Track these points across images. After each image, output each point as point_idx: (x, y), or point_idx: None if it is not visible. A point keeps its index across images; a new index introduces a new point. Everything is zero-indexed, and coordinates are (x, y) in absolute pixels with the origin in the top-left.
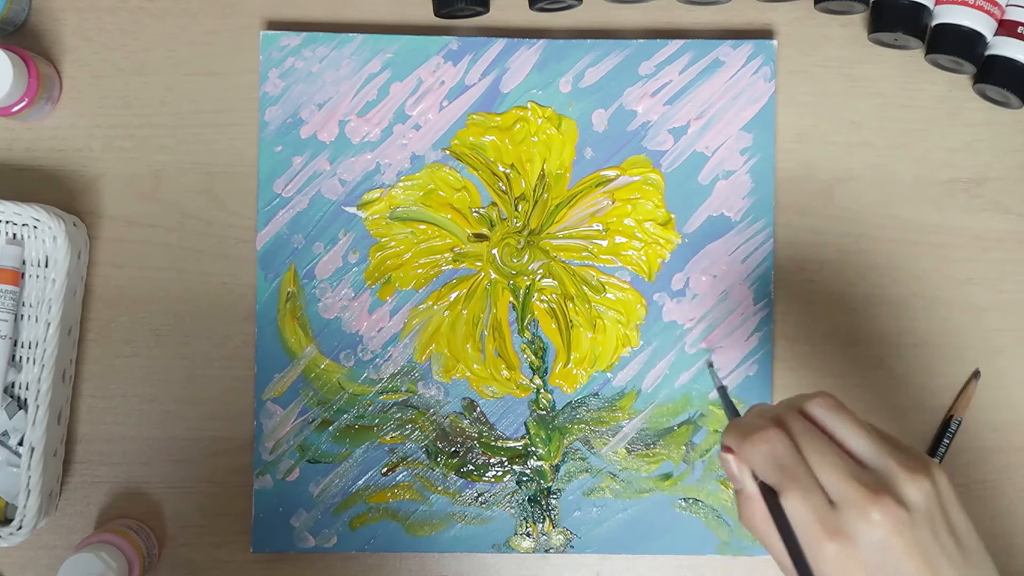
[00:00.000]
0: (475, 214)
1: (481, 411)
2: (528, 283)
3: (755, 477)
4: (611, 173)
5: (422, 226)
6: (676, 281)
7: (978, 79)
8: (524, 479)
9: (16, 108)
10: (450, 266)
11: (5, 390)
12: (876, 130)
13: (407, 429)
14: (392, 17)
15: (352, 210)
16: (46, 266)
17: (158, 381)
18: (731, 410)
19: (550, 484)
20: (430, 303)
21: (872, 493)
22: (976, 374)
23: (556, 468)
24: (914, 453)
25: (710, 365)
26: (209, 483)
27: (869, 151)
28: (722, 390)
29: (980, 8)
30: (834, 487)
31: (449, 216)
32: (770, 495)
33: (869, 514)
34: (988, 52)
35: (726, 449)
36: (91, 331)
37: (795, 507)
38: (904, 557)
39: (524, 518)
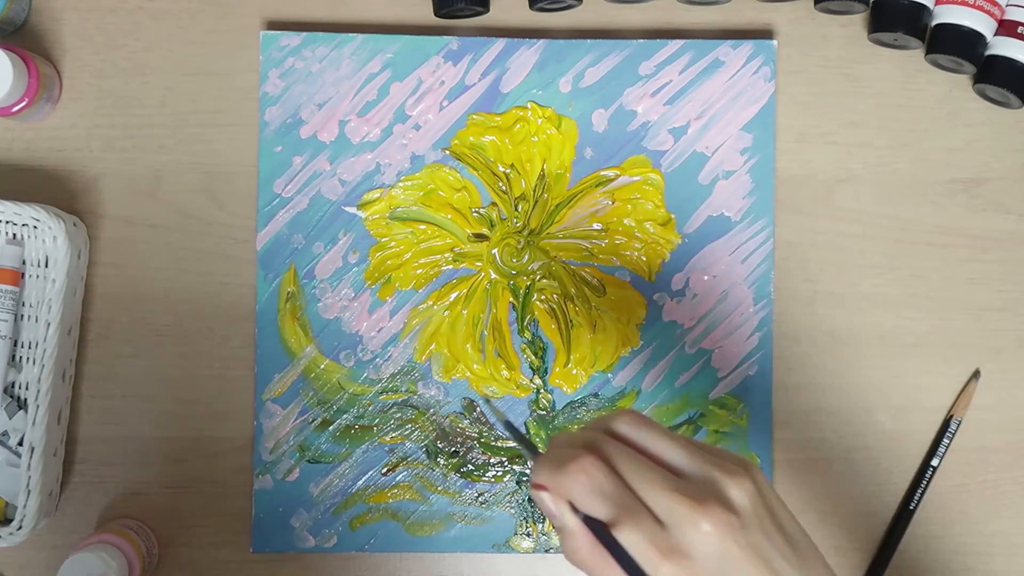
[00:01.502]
0: (475, 214)
1: (481, 411)
2: (528, 283)
3: (574, 511)
4: (611, 173)
5: (422, 226)
6: (676, 281)
7: (978, 79)
8: (524, 479)
9: (16, 108)
10: (450, 266)
11: (5, 390)
12: (876, 130)
13: (407, 429)
14: (392, 17)
15: (352, 210)
16: (46, 266)
17: (158, 381)
18: (528, 446)
19: None
20: (430, 303)
21: (699, 504)
22: (976, 374)
23: None
24: (729, 456)
25: (487, 401)
26: (209, 483)
27: (869, 151)
28: (508, 425)
29: (980, 8)
30: (660, 505)
31: (449, 216)
32: (597, 527)
33: (700, 526)
34: (988, 52)
35: (537, 487)
36: (91, 331)
37: (628, 536)
38: (743, 562)
39: (524, 518)
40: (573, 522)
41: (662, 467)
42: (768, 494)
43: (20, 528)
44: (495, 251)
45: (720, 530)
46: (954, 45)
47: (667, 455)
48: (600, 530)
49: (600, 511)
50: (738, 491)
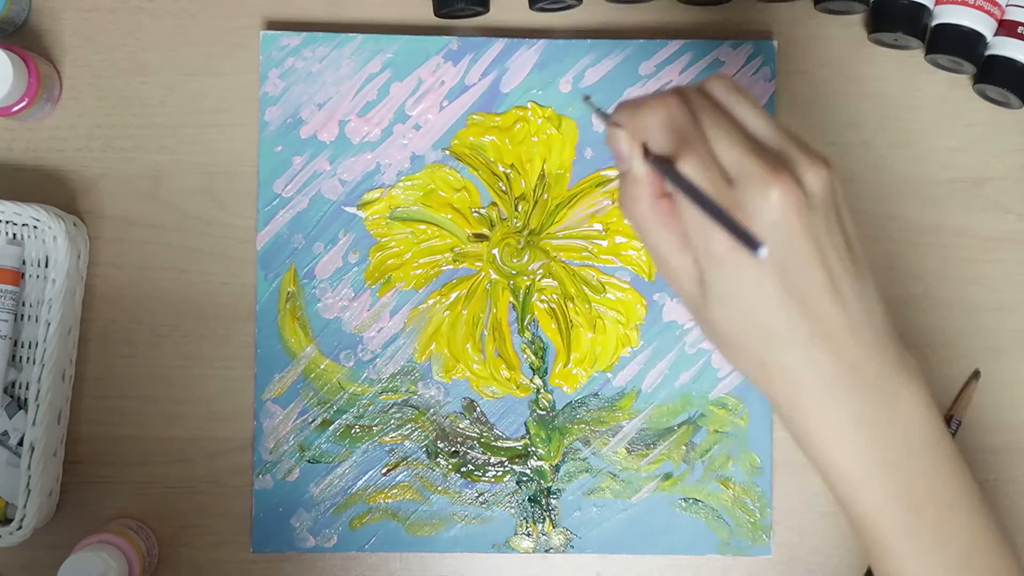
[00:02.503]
0: (475, 214)
1: (481, 411)
2: (528, 283)
3: (647, 154)
4: (611, 173)
5: (422, 226)
6: None
7: (978, 79)
8: (524, 479)
9: (16, 108)
10: (450, 266)
11: (5, 390)
12: (876, 130)
13: (407, 429)
14: (392, 17)
15: (352, 210)
16: (46, 266)
17: (158, 381)
18: (603, 116)
19: (550, 484)
20: (430, 303)
21: (772, 170)
22: (976, 374)
23: (556, 468)
24: (813, 145)
25: (587, 98)
26: (209, 483)
27: (869, 151)
28: (599, 112)
29: (980, 8)
30: (733, 161)
31: (449, 216)
32: (665, 167)
33: (768, 190)
34: (988, 52)
35: (614, 125)
36: (91, 331)
37: (692, 176)
38: (800, 240)
39: (524, 518)
40: (640, 167)
41: (745, 131)
42: (841, 193)
43: (20, 528)
44: (495, 251)
45: (787, 201)
46: (954, 45)
47: (753, 123)
48: (668, 169)
49: (670, 147)
50: (814, 175)
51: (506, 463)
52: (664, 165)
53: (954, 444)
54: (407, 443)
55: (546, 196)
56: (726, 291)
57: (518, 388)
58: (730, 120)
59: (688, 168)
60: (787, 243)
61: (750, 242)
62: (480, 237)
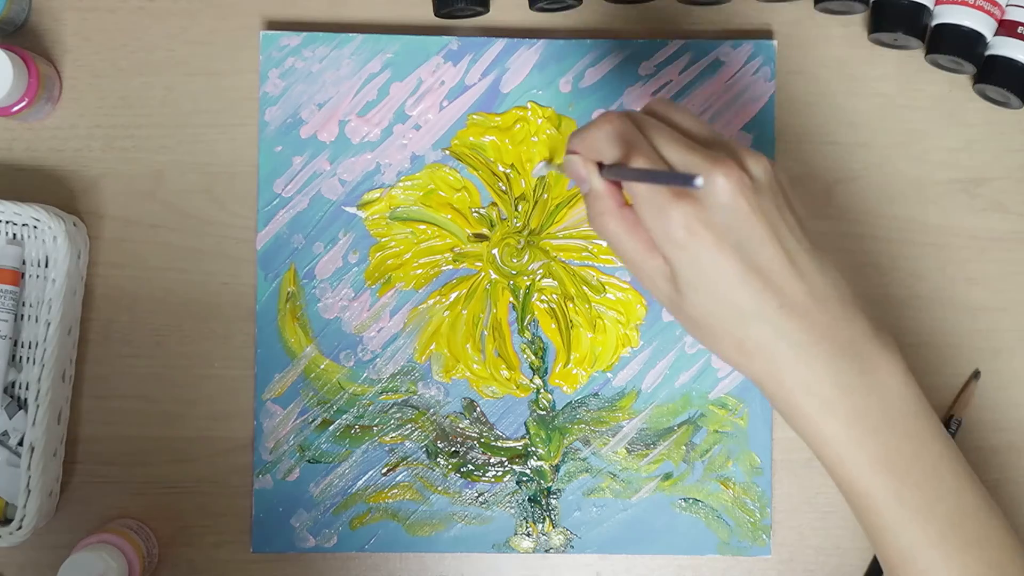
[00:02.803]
0: (475, 214)
1: (481, 411)
2: (528, 283)
3: (601, 168)
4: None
5: (422, 226)
6: None
7: (978, 79)
8: (524, 479)
9: (16, 108)
10: (450, 266)
11: (5, 390)
12: (876, 130)
13: (407, 429)
14: (392, 17)
15: (352, 210)
16: (46, 266)
17: (158, 381)
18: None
19: (550, 484)
20: (430, 303)
21: (716, 160)
22: (976, 374)
23: (556, 468)
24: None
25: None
26: (209, 483)
27: (869, 151)
28: None
29: (980, 8)
30: (679, 158)
31: (449, 216)
32: (618, 169)
33: (714, 177)
34: (988, 52)
35: (569, 152)
36: (91, 331)
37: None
38: (751, 218)
39: (524, 518)
40: (599, 183)
41: (686, 136)
42: (787, 183)
43: (20, 528)
44: (495, 251)
45: (733, 184)
46: (954, 45)
47: (694, 128)
48: (621, 171)
49: (619, 154)
50: (755, 163)
51: (506, 463)
52: (617, 169)
53: (934, 413)
54: (407, 443)
55: (546, 196)
56: (692, 276)
57: (518, 388)
58: (671, 127)
59: (637, 163)
60: (740, 223)
61: (687, 181)
62: (480, 237)
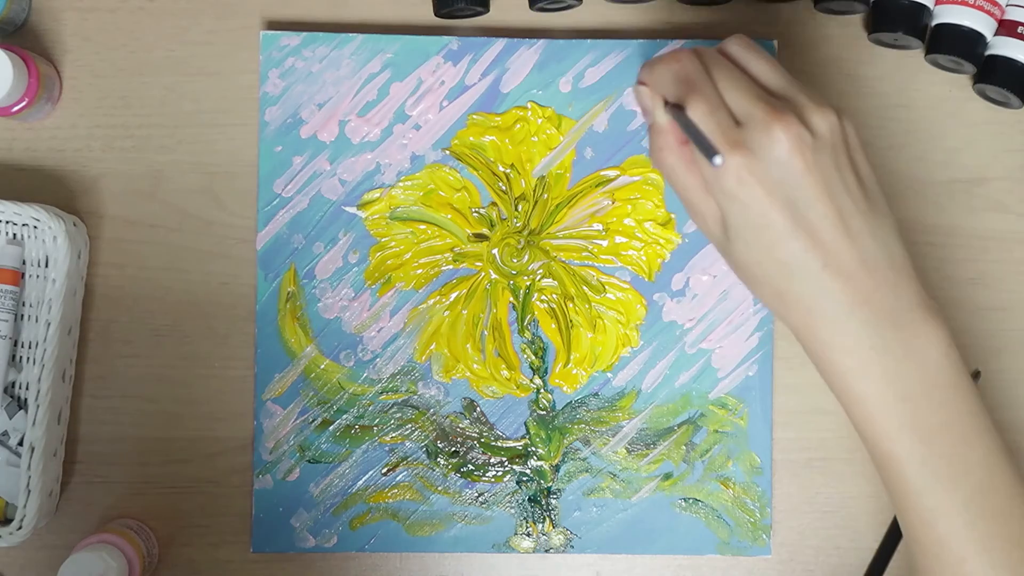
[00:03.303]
0: (475, 214)
1: (481, 411)
2: (528, 283)
3: (666, 104)
4: (611, 173)
5: (422, 226)
6: (676, 281)
7: (978, 79)
8: (524, 479)
9: (16, 108)
10: (450, 266)
11: (5, 390)
12: (876, 130)
13: (407, 429)
14: (392, 17)
15: (352, 210)
16: (46, 266)
17: (158, 381)
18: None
19: (550, 484)
20: (430, 303)
21: (777, 112)
22: (976, 374)
23: (556, 468)
24: (824, 97)
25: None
26: (209, 483)
27: (869, 151)
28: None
29: (980, 8)
30: (739, 106)
31: (449, 216)
32: (684, 118)
33: (772, 131)
34: (988, 52)
35: (638, 83)
36: (91, 331)
37: (699, 118)
38: (804, 178)
39: (524, 518)
40: (663, 118)
41: (755, 82)
42: (852, 139)
43: (20, 528)
44: (495, 251)
45: (790, 139)
46: (954, 45)
47: (765, 74)
48: (680, 115)
49: (681, 94)
50: (820, 117)
51: (506, 463)
52: (676, 110)
53: (975, 387)
54: (407, 443)
55: (546, 196)
56: (741, 225)
57: (518, 388)
58: (741, 71)
59: (694, 111)
60: (794, 179)
61: (710, 155)
62: (480, 237)
